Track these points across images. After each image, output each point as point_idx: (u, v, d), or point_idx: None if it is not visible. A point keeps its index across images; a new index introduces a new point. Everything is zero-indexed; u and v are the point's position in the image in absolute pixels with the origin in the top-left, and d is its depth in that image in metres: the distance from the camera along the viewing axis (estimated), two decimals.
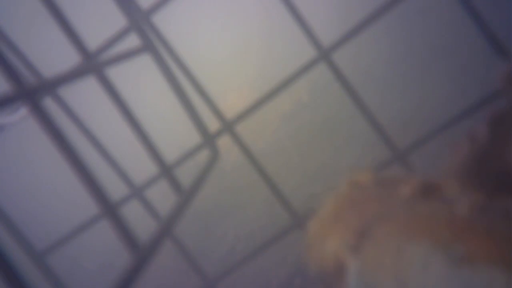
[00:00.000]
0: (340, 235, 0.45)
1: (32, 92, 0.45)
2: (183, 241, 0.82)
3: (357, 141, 1.37)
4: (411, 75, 1.51)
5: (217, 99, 0.81)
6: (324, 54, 0.71)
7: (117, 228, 0.47)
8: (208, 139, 0.77)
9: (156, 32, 0.74)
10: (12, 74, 0.44)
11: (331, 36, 0.74)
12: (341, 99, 0.83)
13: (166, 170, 0.67)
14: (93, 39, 0.76)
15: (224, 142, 0.82)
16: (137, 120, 0.65)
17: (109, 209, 0.47)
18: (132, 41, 0.72)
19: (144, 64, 0.81)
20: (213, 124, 0.77)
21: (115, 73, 0.69)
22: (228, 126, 0.76)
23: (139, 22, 0.72)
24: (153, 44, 0.73)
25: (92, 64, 0.61)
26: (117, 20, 0.75)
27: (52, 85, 0.51)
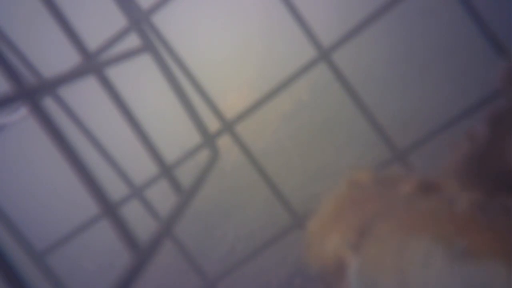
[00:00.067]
0: (341, 233, 0.45)
1: (32, 92, 0.45)
2: (183, 241, 0.82)
3: (357, 141, 1.37)
4: (411, 75, 1.51)
5: (217, 99, 0.81)
6: (324, 54, 0.71)
7: (117, 228, 0.47)
8: (208, 139, 0.77)
9: (156, 32, 0.74)
10: (12, 74, 0.44)
11: (331, 36, 0.74)
12: (341, 99, 0.83)
13: (166, 170, 0.67)
14: (93, 39, 0.76)
15: (224, 142, 0.82)
16: (137, 120, 0.65)
17: (109, 209, 0.47)
18: (132, 41, 0.72)
19: (144, 64, 0.81)
20: (213, 124, 0.77)
21: (115, 73, 0.69)
22: (228, 126, 0.76)
23: (139, 22, 0.72)
24: (153, 44, 0.73)
25: (92, 64, 0.61)
26: (117, 20, 0.75)
27: (52, 85, 0.51)
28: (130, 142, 0.87)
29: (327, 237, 0.46)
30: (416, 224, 0.41)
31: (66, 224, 0.90)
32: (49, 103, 0.66)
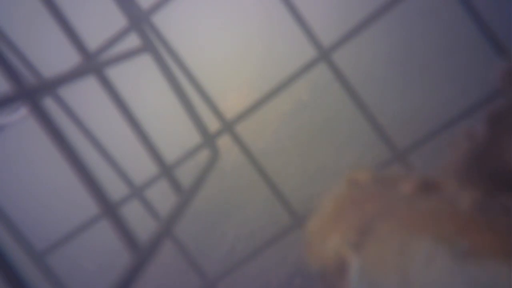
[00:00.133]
0: (341, 233, 0.45)
1: (32, 92, 0.45)
2: (183, 241, 0.82)
3: (357, 141, 1.37)
4: (411, 75, 1.51)
5: (217, 99, 0.81)
6: (324, 54, 0.71)
7: (117, 228, 0.47)
8: (208, 139, 0.77)
9: (156, 32, 0.74)
10: (12, 74, 0.44)
11: (331, 36, 0.74)
12: (341, 99, 0.83)
13: (166, 170, 0.67)
14: (93, 39, 0.76)
15: (224, 142, 0.82)
16: (137, 120, 0.65)
17: (109, 209, 0.47)
18: (132, 41, 0.72)
19: (144, 64, 0.81)
20: (213, 124, 0.77)
21: (115, 73, 0.69)
22: (228, 126, 0.76)
23: (139, 22, 0.72)
24: (153, 44, 0.73)
25: (92, 64, 0.61)
26: (117, 20, 0.75)
27: (52, 85, 0.51)
28: (130, 142, 0.87)
29: (327, 237, 0.46)
30: (416, 224, 0.41)
31: (66, 224, 0.90)
32: (49, 103, 0.66)
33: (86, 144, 0.76)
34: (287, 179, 1.37)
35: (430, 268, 0.38)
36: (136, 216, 0.87)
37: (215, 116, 0.77)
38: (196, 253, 0.86)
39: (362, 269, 0.42)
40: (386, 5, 0.69)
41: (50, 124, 0.44)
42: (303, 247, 0.49)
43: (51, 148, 0.46)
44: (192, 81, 0.76)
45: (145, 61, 0.75)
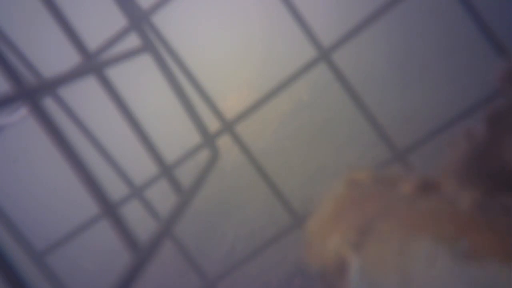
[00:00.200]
0: (341, 233, 0.45)
1: (32, 92, 0.45)
2: (183, 241, 0.82)
3: (357, 141, 1.37)
4: (411, 75, 1.51)
5: (217, 99, 0.81)
6: (324, 54, 0.71)
7: (117, 228, 0.47)
8: (208, 139, 0.77)
9: (156, 32, 0.74)
10: (12, 74, 0.44)
11: (331, 36, 0.74)
12: (341, 99, 0.83)
13: (166, 170, 0.67)
14: (93, 39, 0.76)
15: (224, 142, 0.82)
16: (137, 120, 0.65)
17: (109, 209, 0.47)
18: (132, 41, 0.72)
19: (144, 64, 0.81)
20: (213, 124, 0.77)
21: (115, 73, 0.69)
22: (228, 126, 0.76)
23: (139, 22, 0.72)
24: (153, 44, 0.73)
25: (92, 64, 0.61)
26: (117, 20, 0.75)
27: (52, 85, 0.51)
28: (130, 142, 0.87)
29: (327, 237, 0.46)
30: (416, 224, 0.41)
31: (66, 224, 0.90)
32: (49, 103, 0.66)
33: (86, 144, 0.76)
34: (287, 179, 1.37)
35: (430, 268, 0.38)
36: (136, 216, 0.87)
37: (215, 116, 0.77)
38: (196, 253, 0.86)
39: (362, 269, 0.42)
40: (386, 5, 0.69)
41: (50, 124, 0.44)
42: (303, 247, 0.49)
43: (51, 148, 0.46)
44: (192, 81, 0.76)
45: (145, 61, 0.75)
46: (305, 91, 1.82)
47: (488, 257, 0.37)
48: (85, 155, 0.47)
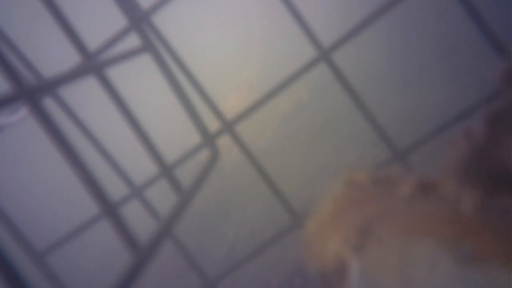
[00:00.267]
0: (341, 234, 0.45)
1: (32, 92, 0.45)
2: (183, 241, 0.82)
3: (357, 141, 1.37)
4: (411, 75, 1.51)
5: (217, 99, 0.81)
6: (324, 54, 0.71)
7: (117, 228, 0.47)
8: (208, 139, 0.77)
9: (156, 32, 0.74)
10: (12, 74, 0.44)
11: (331, 36, 0.74)
12: (341, 99, 0.83)
13: (166, 170, 0.67)
14: (93, 39, 0.76)
15: (224, 142, 0.82)
16: (137, 120, 0.65)
17: (109, 209, 0.47)
18: (132, 41, 0.72)
19: (144, 64, 0.81)
20: (213, 124, 0.77)
21: (115, 73, 0.69)
22: (228, 126, 0.76)
23: (139, 22, 0.72)
24: (153, 44, 0.73)
25: (92, 64, 0.61)
26: (117, 20, 0.75)
27: (52, 85, 0.51)
28: (130, 142, 0.87)
29: (327, 237, 0.46)
30: (419, 226, 0.41)
31: (66, 224, 0.90)
32: (49, 103, 0.66)
33: (86, 144, 0.76)
34: (287, 179, 1.37)
35: (433, 271, 0.38)
36: (136, 216, 0.87)
37: (215, 116, 0.77)
38: (196, 253, 0.86)
39: (363, 270, 0.42)
40: (386, 5, 0.69)
41: (50, 124, 0.44)
42: (303, 247, 0.49)
43: (51, 148, 0.46)
44: (192, 81, 0.76)
45: (145, 61, 0.75)
46: (305, 91, 1.82)
47: (489, 259, 0.37)
48: (85, 155, 0.47)
